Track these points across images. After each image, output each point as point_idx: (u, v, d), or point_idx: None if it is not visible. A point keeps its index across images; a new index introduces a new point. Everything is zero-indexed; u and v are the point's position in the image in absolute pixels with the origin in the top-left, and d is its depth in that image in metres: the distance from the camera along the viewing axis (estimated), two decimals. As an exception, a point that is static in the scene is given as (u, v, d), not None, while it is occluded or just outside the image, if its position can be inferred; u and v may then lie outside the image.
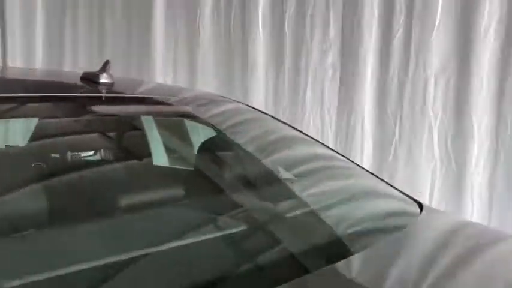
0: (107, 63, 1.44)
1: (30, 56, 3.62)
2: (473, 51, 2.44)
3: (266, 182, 1.50)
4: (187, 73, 3.21)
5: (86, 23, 3.49)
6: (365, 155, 2.73)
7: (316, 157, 1.61)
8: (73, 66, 3.50)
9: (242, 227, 1.27)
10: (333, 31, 2.78)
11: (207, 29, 3.11)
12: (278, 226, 1.30)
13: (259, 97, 3.00)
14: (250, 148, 1.58)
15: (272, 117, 1.82)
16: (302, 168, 1.58)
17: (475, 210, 2.49)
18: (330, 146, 2.84)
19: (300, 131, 1.73)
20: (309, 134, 1.82)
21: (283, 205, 1.40)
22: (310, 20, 2.83)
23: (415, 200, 1.39)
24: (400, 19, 2.60)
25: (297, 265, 1.10)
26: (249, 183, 1.51)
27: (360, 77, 2.72)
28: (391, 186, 1.50)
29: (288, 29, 2.90)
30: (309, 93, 2.87)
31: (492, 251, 1.18)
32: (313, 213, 1.33)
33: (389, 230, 1.23)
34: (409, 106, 2.60)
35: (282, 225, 1.31)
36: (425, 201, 2.57)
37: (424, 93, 2.56)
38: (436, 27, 2.51)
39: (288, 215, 1.37)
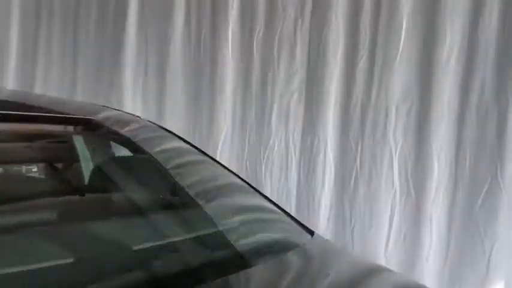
0: None
1: (3, 71, 3.60)
2: (435, 80, 2.44)
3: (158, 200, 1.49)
4: (155, 93, 3.19)
5: (59, 40, 3.48)
6: (327, 181, 2.71)
7: (214, 179, 1.60)
8: (44, 83, 3.49)
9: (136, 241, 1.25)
10: (300, 55, 2.78)
11: (177, 48, 3.11)
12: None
13: (227, 119, 2.98)
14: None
15: (178, 136, 1.74)
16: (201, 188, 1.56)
17: (433, 241, 2.46)
18: (293, 171, 2.83)
19: (213, 159, 1.68)
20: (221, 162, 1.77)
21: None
22: (278, 43, 2.83)
23: (306, 228, 1.34)
24: (364, 45, 2.60)
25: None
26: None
27: (324, 102, 2.71)
28: (287, 213, 1.50)
29: (256, 51, 2.90)
30: (274, 117, 2.86)
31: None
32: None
33: (275, 252, 1.25)
34: (370, 133, 2.59)
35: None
36: (384, 229, 2.55)
37: (385, 121, 2.55)
38: (398, 55, 2.51)
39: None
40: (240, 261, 1.25)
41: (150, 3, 3.21)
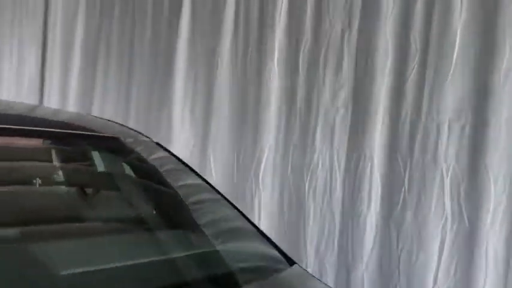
0: None
1: (64, 99, 3.74)
2: (492, 96, 2.22)
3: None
4: (203, 111, 3.17)
5: (116, 72, 3.57)
6: (373, 201, 2.54)
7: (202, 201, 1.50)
8: (100, 112, 3.60)
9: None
10: (346, 69, 2.65)
11: (224, 66, 3.07)
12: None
13: (270, 135, 2.89)
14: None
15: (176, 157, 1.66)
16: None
17: (488, 275, 2.22)
18: (337, 190, 2.68)
19: (204, 180, 1.57)
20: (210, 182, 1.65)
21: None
22: (324, 56, 2.71)
23: (287, 257, 1.26)
24: (414, 59, 2.42)
25: None
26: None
27: (371, 119, 2.55)
28: (270, 241, 1.38)
29: (302, 65, 2.80)
30: (319, 133, 2.73)
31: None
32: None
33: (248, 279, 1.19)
34: (420, 153, 2.40)
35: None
36: (433, 258, 2.34)
37: (436, 140, 2.35)
38: (452, 69, 2.32)
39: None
40: (207, 285, 1.17)
41: (200, 19, 3.21)
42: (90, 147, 1.48)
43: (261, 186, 2.93)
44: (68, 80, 3.74)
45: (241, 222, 1.35)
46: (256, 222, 2.93)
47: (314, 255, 2.73)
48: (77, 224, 1.35)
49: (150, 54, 3.43)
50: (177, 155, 1.47)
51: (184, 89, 3.25)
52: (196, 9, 3.22)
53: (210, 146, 3.13)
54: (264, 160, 2.91)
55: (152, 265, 1.21)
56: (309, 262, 2.74)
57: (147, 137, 1.56)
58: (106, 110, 3.59)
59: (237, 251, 1.31)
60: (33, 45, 3.79)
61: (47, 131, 1.37)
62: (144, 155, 1.44)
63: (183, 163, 1.43)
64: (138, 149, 1.47)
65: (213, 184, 3.05)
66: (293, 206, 2.84)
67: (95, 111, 3.62)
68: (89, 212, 1.42)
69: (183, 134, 3.24)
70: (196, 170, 3.14)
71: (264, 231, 2.90)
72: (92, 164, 1.50)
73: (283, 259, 1.28)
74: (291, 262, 1.27)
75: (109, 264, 1.18)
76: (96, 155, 1.48)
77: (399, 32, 2.47)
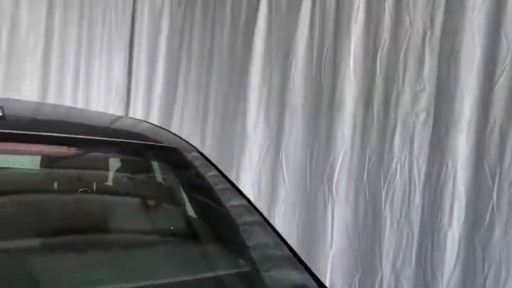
0: None
1: (149, 105, 3.84)
2: None
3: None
4: (277, 113, 3.11)
5: (194, 86, 3.60)
6: (456, 215, 2.33)
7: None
8: (180, 124, 3.66)
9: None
10: (428, 71, 2.45)
11: (298, 68, 2.98)
12: None
13: (346, 141, 2.76)
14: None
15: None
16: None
17: None
18: (416, 200, 2.49)
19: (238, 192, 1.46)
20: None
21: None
22: (404, 58, 2.53)
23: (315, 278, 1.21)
24: (505, 59, 2.18)
25: None
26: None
27: (455, 124, 2.34)
28: (296, 255, 1.26)
29: (379, 67, 2.64)
30: (397, 139, 2.55)
31: None
32: None
33: None
34: (511, 163, 2.16)
35: None
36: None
37: (531, 150, 2.10)
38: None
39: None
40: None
41: (276, 21, 3.14)
42: (150, 157, 1.47)
43: (334, 194, 2.80)
44: (152, 85, 3.85)
45: (282, 247, 1.27)
46: (328, 232, 2.82)
47: (390, 268, 2.56)
48: (131, 235, 1.34)
49: (228, 56, 3.43)
50: (223, 172, 1.41)
51: (259, 91, 3.21)
52: (272, 12, 3.16)
53: (283, 150, 3.05)
54: (338, 166, 2.79)
55: (198, 283, 1.18)
56: (385, 275, 2.58)
57: (194, 147, 1.52)
58: (186, 110, 3.66)
59: (275, 276, 1.23)
60: (121, 50, 3.92)
61: (106, 140, 1.38)
62: (195, 166, 1.40)
63: (229, 181, 1.38)
64: (191, 161, 1.43)
65: (284, 191, 3.03)
66: (369, 215, 2.69)
67: (177, 113, 3.69)
68: (142, 223, 1.41)
69: (256, 139, 3.20)
70: (268, 175, 3.17)
71: (337, 241, 2.81)
72: (150, 175, 1.48)
73: (310, 278, 1.19)
74: (319, 284, 1.18)
75: (159, 277, 1.16)
76: (155, 166, 1.47)
77: (488, 29, 2.24)
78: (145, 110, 3.89)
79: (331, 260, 2.83)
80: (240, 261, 1.26)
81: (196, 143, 3.65)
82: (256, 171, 3.20)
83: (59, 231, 1.27)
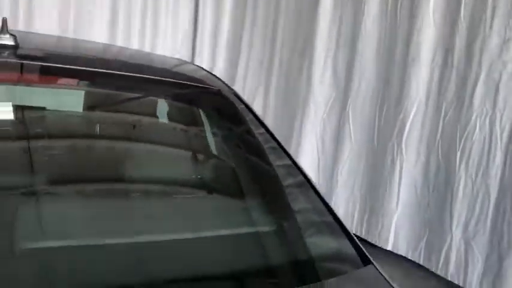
0: (4, 21, 1.17)
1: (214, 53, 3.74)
2: None
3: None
4: (345, 61, 2.90)
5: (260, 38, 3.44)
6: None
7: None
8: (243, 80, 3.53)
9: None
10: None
11: (371, 13, 2.74)
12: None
13: (419, 90, 2.51)
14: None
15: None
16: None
17: None
18: (496, 163, 2.23)
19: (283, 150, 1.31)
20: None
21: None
22: (493, 0, 2.23)
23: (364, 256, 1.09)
24: None
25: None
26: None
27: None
28: (349, 234, 1.13)
29: (464, 10, 2.35)
30: (478, 91, 2.28)
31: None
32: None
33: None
34: None
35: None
36: None
37: None
38: None
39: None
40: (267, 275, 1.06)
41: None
42: (195, 101, 1.38)
43: (403, 151, 2.58)
44: (217, 36, 3.74)
45: (325, 213, 1.15)
46: (394, 192, 2.62)
47: (460, 234, 2.34)
48: (174, 187, 1.27)
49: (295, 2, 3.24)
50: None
51: (327, 37, 3.00)
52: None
53: (350, 103, 2.85)
54: (409, 120, 2.56)
55: (239, 237, 1.14)
56: (454, 240, 2.36)
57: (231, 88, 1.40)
58: (251, 59, 3.53)
59: (316, 243, 1.14)
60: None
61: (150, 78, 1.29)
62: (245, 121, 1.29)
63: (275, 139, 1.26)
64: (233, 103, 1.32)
65: (351, 146, 2.84)
66: (440, 176, 2.46)
67: (243, 58, 3.57)
68: (186, 173, 1.34)
69: (323, 89, 3.01)
70: (333, 130, 2.98)
71: (403, 202, 2.60)
72: (197, 119, 1.39)
73: (358, 258, 1.08)
74: (366, 262, 1.07)
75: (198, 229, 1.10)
76: (201, 111, 1.37)
77: None
78: (210, 62, 3.79)
79: (396, 222, 2.64)
80: (282, 221, 1.18)
81: (260, 94, 3.60)
82: (320, 125, 3.04)
83: (98, 174, 1.22)
